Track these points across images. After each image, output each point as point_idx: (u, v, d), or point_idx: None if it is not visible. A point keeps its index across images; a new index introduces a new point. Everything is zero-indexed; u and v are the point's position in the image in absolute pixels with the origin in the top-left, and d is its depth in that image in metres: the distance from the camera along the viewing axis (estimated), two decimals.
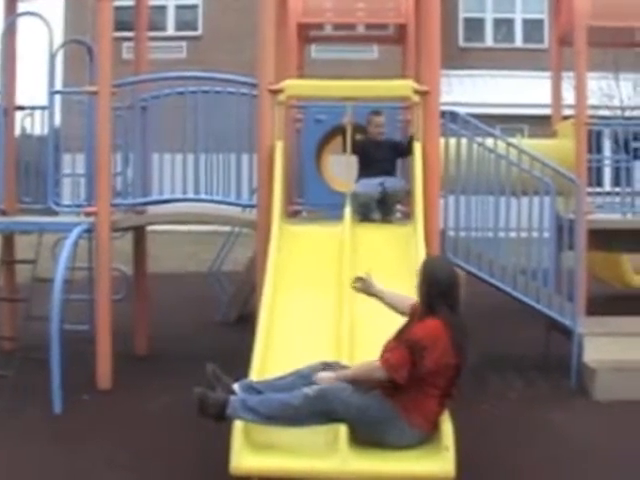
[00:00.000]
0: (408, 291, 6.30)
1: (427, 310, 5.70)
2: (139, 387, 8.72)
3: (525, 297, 9.18)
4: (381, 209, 8.71)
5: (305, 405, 5.51)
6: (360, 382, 5.63)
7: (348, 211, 8.06)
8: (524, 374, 9.25)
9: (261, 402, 5.62)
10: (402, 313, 6.12)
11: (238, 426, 5.54)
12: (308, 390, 5.58)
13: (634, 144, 11.44)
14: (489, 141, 9.42)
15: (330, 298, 7.09)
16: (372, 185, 8.56)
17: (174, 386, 8.32)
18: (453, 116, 9.12)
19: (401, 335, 5.80)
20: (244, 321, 11.66)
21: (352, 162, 8.59)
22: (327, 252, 7.65)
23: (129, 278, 10.30)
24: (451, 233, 9.20)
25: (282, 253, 7.56)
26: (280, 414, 5.55)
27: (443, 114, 8.72)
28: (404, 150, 8.73)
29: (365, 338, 6.56)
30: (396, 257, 7.62)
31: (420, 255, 7.31)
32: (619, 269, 13.07)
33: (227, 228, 12.94)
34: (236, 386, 5.85)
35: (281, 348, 6.55)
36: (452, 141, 9.32)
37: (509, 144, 9.41)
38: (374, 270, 6.49)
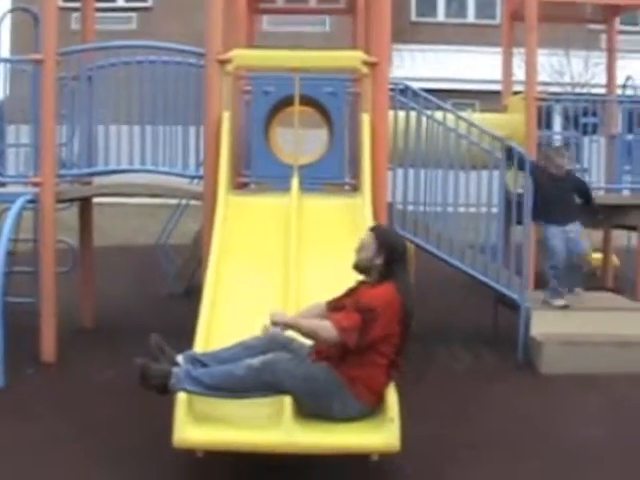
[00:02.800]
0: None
1: (382, 276, 5.70)
2: (85, 360, 8.62)
3: (473, 270, 9.19)
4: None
5: (250, 376, 5.45)
6: (308, 335, 5.60)
7: (295, 182, 7.97)
8: (471, 347, 9.27)
9: (205, 373, 5.56)
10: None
11: (181, 398, 5.45)
12: (253, 361, 5.52)
13: (584, 120, 11.43)
14: (438, 114, 9.40)
15: (276, 270, 7.02)
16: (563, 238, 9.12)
17: (120, 359, 8.16)
18: (403, 89, 9.07)
19: (342, 302, 5.78)
20: (191, 294, 11.53)
21: (300, 135, 8.50)
22: (274, 223, 7.57)
23: (75, 250, 10.15)
24: (399, 206, 9.16)
25: (228, 225, 7.48)
26: (224, 385, 5.49)
27: (392, 87, 8.66)
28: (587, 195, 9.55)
29: None
30: (344, 228, 7.55)
31: (366, 225, 7.29)
32: None
33: (175, 201, 12.85)
34: (180, 358, 5.76)
35: (226, 321, 6.48)
36: (401, 114, 9.28)
37: (459, 117, 9.39)
38: (320, 241, 6.46)
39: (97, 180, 9.76)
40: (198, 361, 5.73)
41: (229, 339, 6.01)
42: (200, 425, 5.42)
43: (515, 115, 11.32)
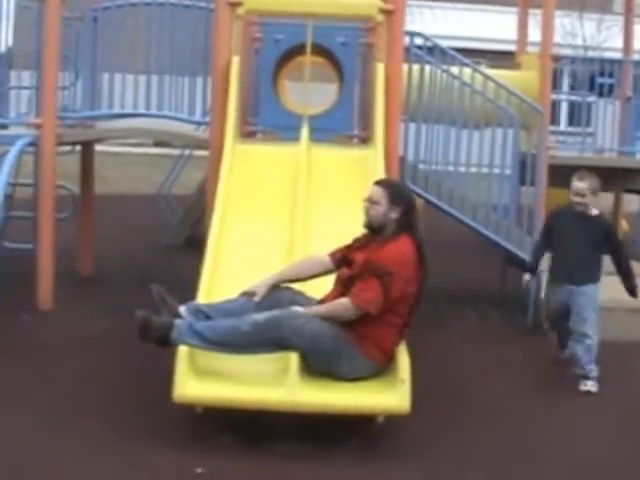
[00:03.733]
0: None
1: (398, 230, 5.45)
2: (81, 309, 8.38)
3: (484, 229, 8.94)
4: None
5: (255, 332, 5.21)
6: (329, 319, 5.34)
7: (305, 132, 7.68)
8: (480, 309, 9.07)
9: (208, 327, 5.31)
10: (324, 272, 5.80)
11: (183, 351, 5.23)
12: (258, 316, 5.27)
13: (600, 80, 11.09)
14: (454, 69, 9.11)
15: (283, 221, 6.78)
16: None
17: (118, 309, 7.95)
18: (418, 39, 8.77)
19: (351, 255, 5.54)
20: (192, 245, 11.31)
21: (309, 86, 8.21)
22: (282, 174, 7.31)
23: (76, 197, 9.88)
24: (411, 161, 8.89)
25: (234, 174, 7.21)
26: (228, 340, 5.24)
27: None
28: (613, 246, 7.05)
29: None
30: (353, 180, 7.25)
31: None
32: None
33: (179, 151, 12.58)
34: (182, 309, 5.51)
35: (230, 272, 6.25)
36: (415, 67, 8.98)
37: (475, 70, 9.09)
38: (329, 192, 6.24)
39: (100, 124, 9.46)
40: (201, 312, 5.49)
41: (232, 291, 5.78)
42: (201, 380, 5.21)
43: (530, 72, 10.98)
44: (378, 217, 5.50)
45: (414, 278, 5.33)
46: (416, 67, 8.99)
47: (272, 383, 5.23)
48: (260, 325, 5.21)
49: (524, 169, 9.09)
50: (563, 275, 7.05)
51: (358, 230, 5.75)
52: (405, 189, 5.76)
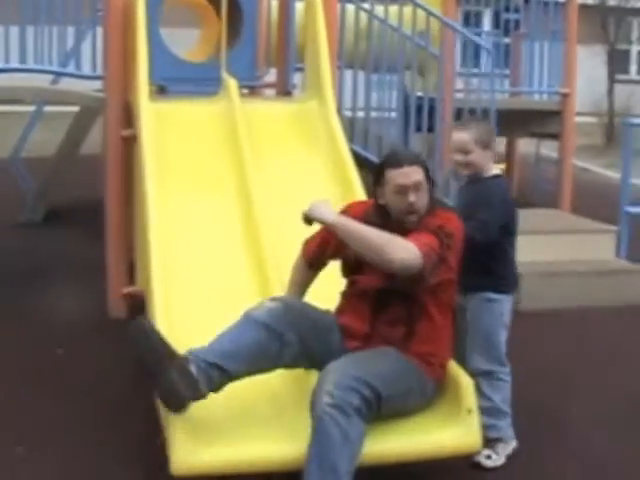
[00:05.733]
0: (325, 184, 5.43)
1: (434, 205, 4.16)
2: None
3: None
4: None
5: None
6: (367, 253, 3.87)
7: (232, 83, 6.31)
8: None
9: None
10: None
11: (174, 420, 3.81)
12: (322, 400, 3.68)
13: (506, 15, 10.06)
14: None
15: (229, 193, 5.53)
16: None
17: None
18: None
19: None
20: (53, 220, 9.75)
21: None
22: (215, 136, 5.95)
23: None
24: (348, 113, 7.64)
25: (158, 140, 5.77)
26: None
27: None
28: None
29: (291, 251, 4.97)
30: (301, 142, 6.06)
31: (333, 137, 5.84)
32: None
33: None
34: (192, 367, 3.80)
35: (184, 270, 4.93)
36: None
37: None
38: (276, 159, 5.42)
39: None
40: (216, 366, 3.86)
41: (194, 304, 4.65)
42: (204, 442, 3.79)
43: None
44: (425, 205, 4.13)
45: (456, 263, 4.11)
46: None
47: (294, 437, 3.84)
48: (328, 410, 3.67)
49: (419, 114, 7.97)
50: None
51: (313, 195, 4.58)
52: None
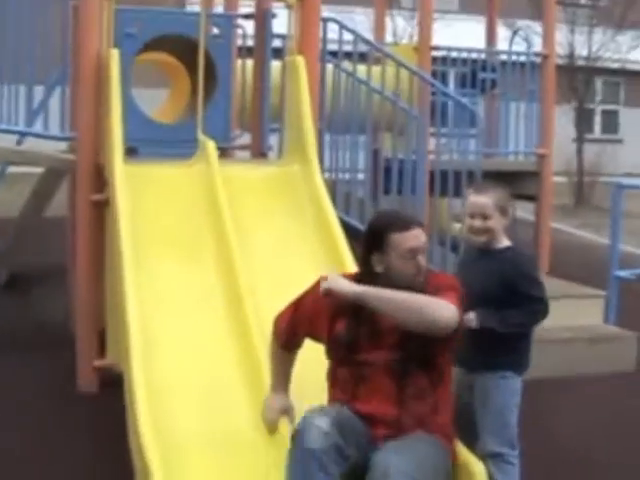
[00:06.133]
0: (313, 253, 5.16)
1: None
2: None
3: None
4: None
5: None
6: (400, 317, 3.60)
7: (211, 147, 5.98)
8: None
9: None
10: None
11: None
12: None
13: (482, 75, 9.85)
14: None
15: (215, 271, 5.15)
16: None
17: None
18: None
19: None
20: (16, 286, 9.34)
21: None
22: (194, 202, 5.60)
23: None
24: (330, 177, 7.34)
25: (133, 204, 5.45)
26: None
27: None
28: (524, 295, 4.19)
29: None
30: (285, 205, 5.74)
31: (318, 202, 5.56)
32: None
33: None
34: None
35: (166, 354, 4.57)
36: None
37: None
38: (260, 226, 5.11)
39: None
40: None
41: (176, 379, 4.32)
42: None
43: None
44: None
45: None
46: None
47: None
48: None
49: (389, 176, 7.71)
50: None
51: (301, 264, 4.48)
52: None
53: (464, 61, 9.70)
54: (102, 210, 6.03)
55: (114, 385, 4.54)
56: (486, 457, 4.02)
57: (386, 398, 3.69)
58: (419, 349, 3.64)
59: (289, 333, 3.98)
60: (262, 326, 4.59)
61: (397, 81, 7.67)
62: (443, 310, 3.58)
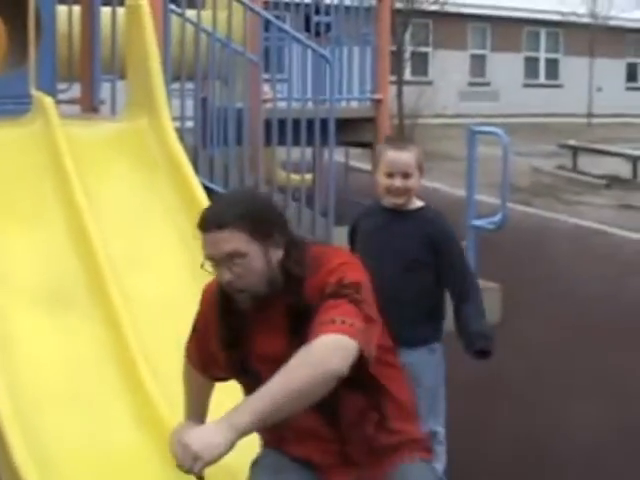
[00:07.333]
0: (174, 211, 4.71)
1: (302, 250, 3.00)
2: None
3: None
4: None
5: None
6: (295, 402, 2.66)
7: (48, 101, 5.31)
8: None
9: None
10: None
11: None
12: None
13: (316, 18, 9.42)
14: None
15: (66, 238, 4.55)
16: None
17: None
18: None
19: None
20: None
21: None
22: (35, 167, 4.92)
23: None
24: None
25: None
26: None
27: None
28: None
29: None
30: (137, 163, 5.17)
31: (173, 158, 5.05)
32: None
33: None
34: None
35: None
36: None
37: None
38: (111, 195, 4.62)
39: None
40: None
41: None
42: None
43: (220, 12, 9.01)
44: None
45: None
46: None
47: None
48: None
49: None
50: None
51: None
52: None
53: (297, 5, 9.33)
54: None
55: None
56: None
57: (319, 437, 3.00)
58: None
59: (204, 358, 3.17)
60: (130, 307, 4.09)
61: (229, 25, 7.22)
62: (333, 358, 2.67)
